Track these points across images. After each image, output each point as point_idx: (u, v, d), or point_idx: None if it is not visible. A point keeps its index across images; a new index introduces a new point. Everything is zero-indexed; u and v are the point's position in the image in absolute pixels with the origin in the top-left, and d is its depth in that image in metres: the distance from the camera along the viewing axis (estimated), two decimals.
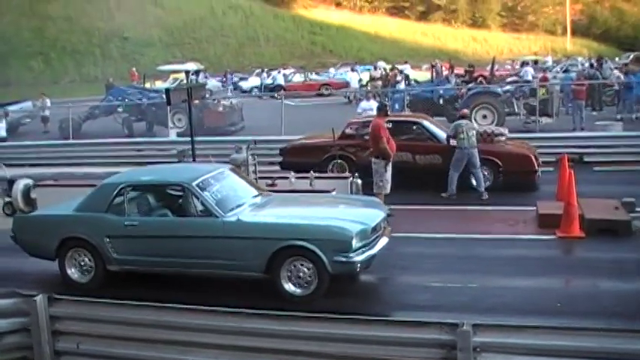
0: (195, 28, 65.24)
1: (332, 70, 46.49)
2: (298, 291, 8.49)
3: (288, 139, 17.13)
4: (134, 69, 43.70)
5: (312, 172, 12.50)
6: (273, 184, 12.08)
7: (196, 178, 9.18)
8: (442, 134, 14.76)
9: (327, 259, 8.25)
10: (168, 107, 21.17)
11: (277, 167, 15.40)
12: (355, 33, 70.41)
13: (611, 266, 9.32)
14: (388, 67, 36.71)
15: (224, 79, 44.54)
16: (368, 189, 12.72)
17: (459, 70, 28.57)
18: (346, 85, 39.78)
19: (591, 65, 29.67)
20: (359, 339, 6.01)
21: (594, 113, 23.20)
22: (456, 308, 8.08)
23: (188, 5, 67.03)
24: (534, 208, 11.89)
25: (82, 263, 9.45)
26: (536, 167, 14.10)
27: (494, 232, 11.22)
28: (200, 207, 8.91)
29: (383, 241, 8.88)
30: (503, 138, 14.92)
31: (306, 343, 6.16)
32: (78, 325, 6.93)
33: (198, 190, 8.95)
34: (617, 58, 46.54)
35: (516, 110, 22.39)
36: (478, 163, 13.70)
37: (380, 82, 31.85)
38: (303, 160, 14.64)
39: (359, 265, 8.35)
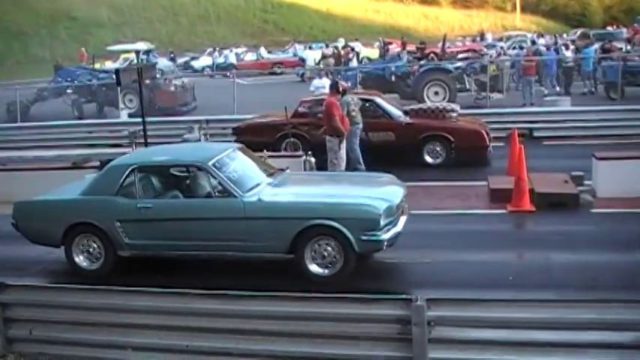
0: (145, 6, 64.05)
1: (262, 49, 46.09)
2: (323, 271, 8.33)
3: (241, 119, 17.01)
4: (83, 49, 42.82)
5: (265, 150, 12.45)
6: None
7: (212, 157, 8.86)
8: (395, 111, 14.84)
9: (353, 237, 8.09)
10: (119, 88, 20.82)
11: None
12: (307, 11, 69.98)
13: (561, 239, 9.50)
14: (340, 44, 36.64)
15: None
16: (322, 167, 12.76)
17: (411, 47, 28.66)
18: (301, 63, 39.66)
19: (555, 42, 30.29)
20: (313, 316, 6.04)
21: (544, 89, 23.60)
22: (409, 283, 8.18)
23: None
24: (486, 183, 12.04)
25: (91, 250, 9.08)
26: (488, 143, 14.28)
27: (446, 208, 11.35)
28: (218, 187, 8.65)
29: (403, 219, 8.76)
30: (455, 114, 15.05)
31: (258, 322, 6.15)
32: (30, 312, 6.83)
33: (216, 170, 8.66)
34: (565, 34, 47.21)
35: (467, 86, 22.62)
36: None
37: (332, 60, 31.79)
38: (256, 139, 14.53)
39: (385, 242, 8.23)
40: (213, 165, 8.73)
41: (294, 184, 9.45)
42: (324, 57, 33.74)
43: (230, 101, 21.28)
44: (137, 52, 27.96)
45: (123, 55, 34.22)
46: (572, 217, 10.54)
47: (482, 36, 46.83)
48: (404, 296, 5.89)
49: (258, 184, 8.86)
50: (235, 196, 8.50)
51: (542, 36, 34.43)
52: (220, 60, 42.78)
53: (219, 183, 8.63)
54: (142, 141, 14.09)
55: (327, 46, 37.35)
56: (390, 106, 15.15)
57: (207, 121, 15.00)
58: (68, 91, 26.05)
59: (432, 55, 26.81)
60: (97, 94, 25.76)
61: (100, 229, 8.93)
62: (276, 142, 14.62)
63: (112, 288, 6.66)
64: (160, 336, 6.39)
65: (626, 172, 11.11)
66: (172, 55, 43.76)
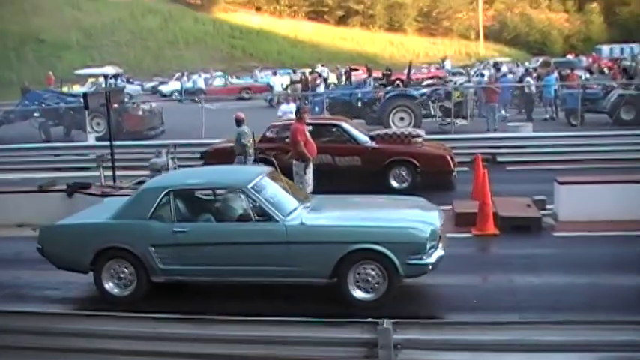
0: (114, 30, 63.81)
1: (219, 73, 46.29)
2: (367, 296, 8.18)
3: (208, 143, 17.05)
4: (51, 72, 42.48)
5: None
6: None
7: (250, 180, 8.65)
8: (361, 136, 15.00)
9: (399, 261, 7.97)
10: (87, 111, 20.76)
11: None
12: (275, 37, 70.40)
13: (524, 262, 9.67)
14: (307, 70, 36.95)
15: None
16: None
17: (377, 74, 29.02)
18: (268, 88, 39.84)
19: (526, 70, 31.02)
20: (280, 340, 6.01)
21: (504, 113, 24.11)
22: (375, 307, 8.23)
23: (107, 8, 65.58)
24: (451, 207, 12.17)
25: (122, 275, 8.74)
26: (452, 167, 14.48)
27: None
28: (257, 211, 8.42)
29: (442, 243, 8.55)
30: (420, 139, 15.23)
31: (225, 346, 6.11)
32: None
33: (255, 194, 8.46)
34: (527, 62, 48.23)
35: (432, 112, 22.94)
36: None
37: (300, 86, 32.03)
38: (224, 164, 14.61)
39: (431, 266, 8.13)
40: (252, 188, 8.54)
41: (332, 208, 9.25)
42: (292, 82, 33.98)
43: (198, 125, 21.32)
44: (105, 76, 27.88)
45: (90, 79, 34.07)
46: (535, 241, 10.74)
47: (442, 62, 47.72)
48: (370, 319, 5.93)
49: (296, 208, 8.69)
50: (277, 220, 8.31)
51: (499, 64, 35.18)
52: (189, 85, 42.76)
53: (259, 207, 8.41)
54: (110, 165, 14.06)
55: (294, 72, 37.60)
56: (357, 131, 15.30)
57: (175, 146, 15.02)
58: (35, 114, 25.84)
59: (397, 81, 27.16)
60: (65, 117, 25.60)
61: (133, 254, 8.62)
62: None
63: (81, 312, 6.62)
64: None
65: (586, 197, 11.33)
66: (130, 80, 43.58)
